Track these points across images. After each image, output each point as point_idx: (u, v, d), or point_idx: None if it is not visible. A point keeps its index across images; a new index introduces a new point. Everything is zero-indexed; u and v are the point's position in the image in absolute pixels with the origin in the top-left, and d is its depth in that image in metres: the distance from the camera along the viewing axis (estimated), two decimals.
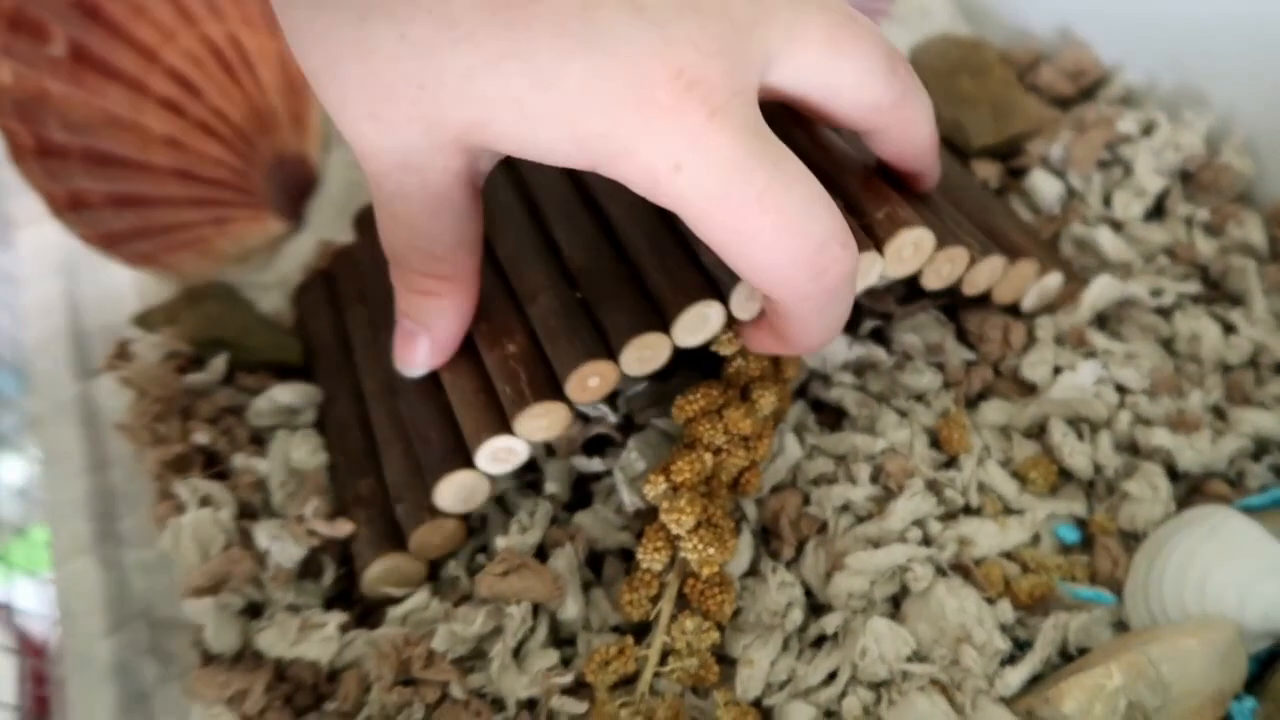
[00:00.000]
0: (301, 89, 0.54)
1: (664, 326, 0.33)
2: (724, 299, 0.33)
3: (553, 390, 0.34)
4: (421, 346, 0.34)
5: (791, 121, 0.39)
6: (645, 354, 0.33)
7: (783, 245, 0.27)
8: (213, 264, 0.48)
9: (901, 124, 0.33)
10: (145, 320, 0.44)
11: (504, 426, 0.34)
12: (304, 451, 0.39)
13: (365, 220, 0.47)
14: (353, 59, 0.25)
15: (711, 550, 0.32)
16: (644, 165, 0.26)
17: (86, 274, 0.50)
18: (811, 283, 0.28)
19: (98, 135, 0.44)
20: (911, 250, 0.35)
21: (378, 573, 0.36)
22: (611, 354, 0.33)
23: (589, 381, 0.33)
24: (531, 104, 0.25)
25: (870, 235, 0.35)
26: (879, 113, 0.32)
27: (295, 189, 0.53)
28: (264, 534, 0.35)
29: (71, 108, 0.44)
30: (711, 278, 0.34)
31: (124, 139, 0.45)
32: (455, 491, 0.35)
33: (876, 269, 0.35)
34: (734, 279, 0.33)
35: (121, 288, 0.50)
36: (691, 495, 0.33)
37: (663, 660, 0.33)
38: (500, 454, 0.34)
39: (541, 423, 0.34)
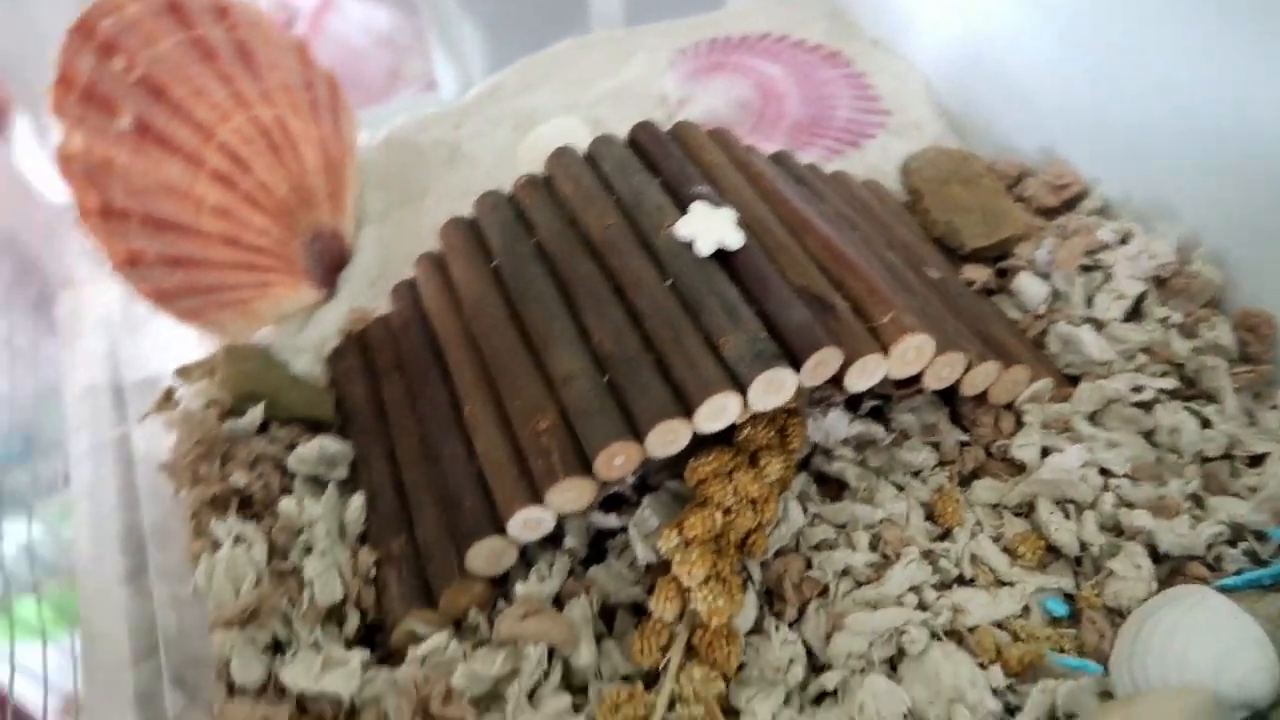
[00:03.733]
0: (339, 171, 0.58)
1: (687, 414, 0.36)
2: (743, 391, 0.36)
3: (582, 466, 0.36)
4: None
5: (803, 229, 0.43)
6: (668, 438, 0.36)
7: None
8: (252, 324, 0.51)
9: None
10: (185, 373, 0.47)
11: (535, 498, 0.36)
12: (353, 505, 0.41)
13: (401, 292, 0.50)
14: None
15: (720, 602, 0.34)
16: None
17: (124, 333, 0.53)
18: None
19: (156, 201, 0.48)
20: (914, 354, 0.38)
21: (407, 628, 0.37)
22: (638, 436, 0.36)
23: (615, 460, 0.36)
24: None
25: (875, 338, 0.38)
26: None
27: (330, 261, 0.56)
28: (312, 568, 0.37)
29: (134, 176, 0.47)
30: (731, 371, 0.36)
31: (179, 206, 0.48)
32: (486, 555, 0.37)
33: (881, 370, 0.38)
34: (753, 372, 0.36)
35: (156, 346, 0.52)
36: (703, 550, 0.35)
37: (670, 707, 0.34)
38: (530, 523, 0.37)
39: (570, 495, 0.36)
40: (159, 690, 0.37)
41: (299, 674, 0.35)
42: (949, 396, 0.45)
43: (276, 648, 0.37)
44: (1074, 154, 0.55)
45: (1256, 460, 0.42)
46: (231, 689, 0.36)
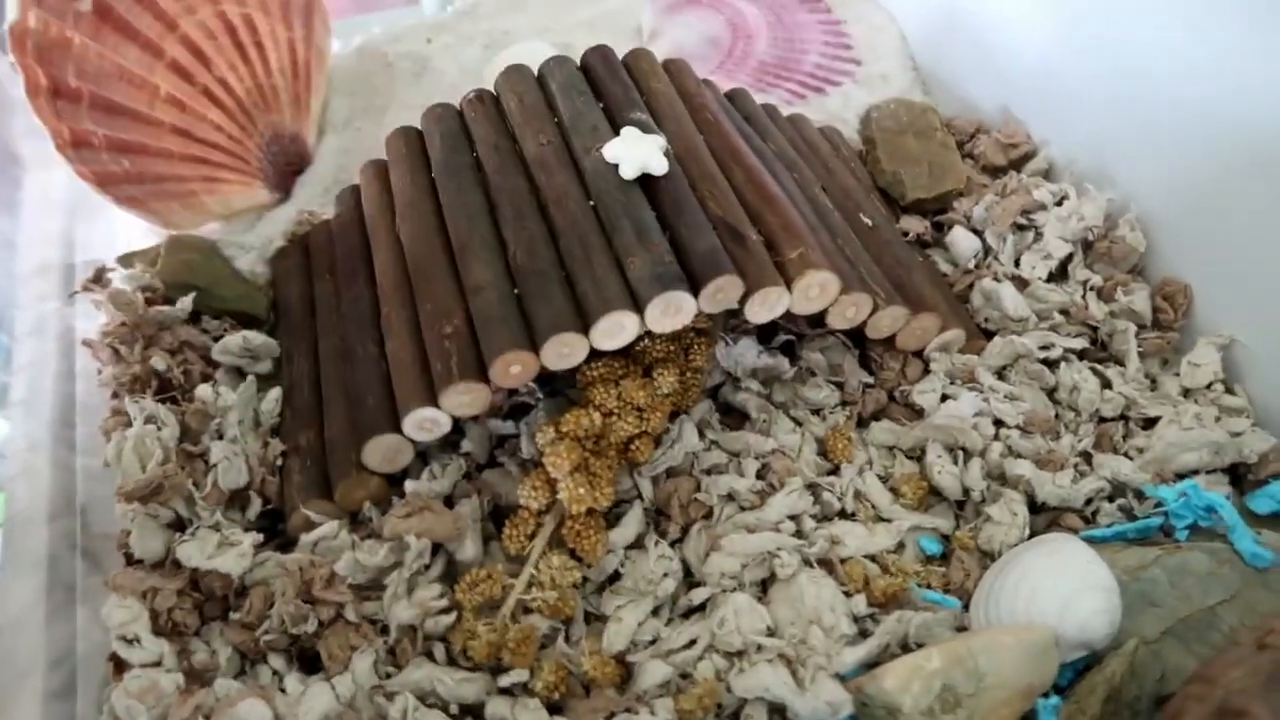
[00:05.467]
0: (305, 75, 0.58)
1: (584, 329, 0.37)
2: (640, 311, 0.37)
3: (478, 372, 0.37)
4: None
5: (733, 162, 0.44)
6: (564, 350, 0.37)
7: None
8: (197, 217, 0.52)
9: None
10: (128, 260, 0.48)
11: (431, 399, 0.37)
12: (269, 398, 0.43)
13: (344, 197, 0.51)
14: None
15: (582, 490, 0.36)
16: None
17: (83, 217, 0.54)
18: None
19: (109, 86, 0.48)
20: (818, 291, 0.39)
21: (303, 517, 0.39)
22: (534, 346, 0.37)
23: (511, 368, 0.37)
24: None
25: (782, 272, 0.39)
26: None
27: (287, 165, 0.57)
28: (219, 452, 0.39)
29: (89, 58, 0.48)
30: (633, 291, 0.37)
31: (133, 93, 0.49)
32: (381, 452, 0.39)
33: (783, 303, 0.39)
34: (651, 292, 0.37)
35: (114, 234, 0.54)
36: (572, 444, 0.37)
37: (528, 590, 0.36)
38: (425, 424, 0.38)
39: (465, 399, 0.37)
40: (68, 556, 0.39)
41: (193, 551, 0.37)
42: (861, 340, 0.46)
43: (179, 525, 0.39)
44: (1029, 115, 0.55)
45: (1151, 423, 0.43)
46: (130, 560, 0.37)
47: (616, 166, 0.41)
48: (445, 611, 0.36)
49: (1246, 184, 0.42)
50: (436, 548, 0.38)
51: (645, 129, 0.43)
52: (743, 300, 0.38)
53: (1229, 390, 0.43)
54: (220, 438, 0.40)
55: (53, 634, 0.36)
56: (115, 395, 0.41)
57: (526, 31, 0.67)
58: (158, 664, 0.34)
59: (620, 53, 0.50)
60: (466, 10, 0.69)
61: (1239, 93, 0.41)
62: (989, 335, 0.47)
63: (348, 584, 0.36)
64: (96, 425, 0.42)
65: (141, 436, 0.39)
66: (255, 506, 0.40)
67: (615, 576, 0.38)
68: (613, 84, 0.47)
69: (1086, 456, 0.42)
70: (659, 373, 0.39)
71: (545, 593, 0.36)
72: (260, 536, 0.38)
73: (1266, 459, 0.40)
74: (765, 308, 0.39)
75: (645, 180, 0.41)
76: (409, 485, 0.39)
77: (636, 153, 0.41)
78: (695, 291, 0.37)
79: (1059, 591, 0.35)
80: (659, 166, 0.41)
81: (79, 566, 0.39)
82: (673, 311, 0.37)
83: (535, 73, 0.49)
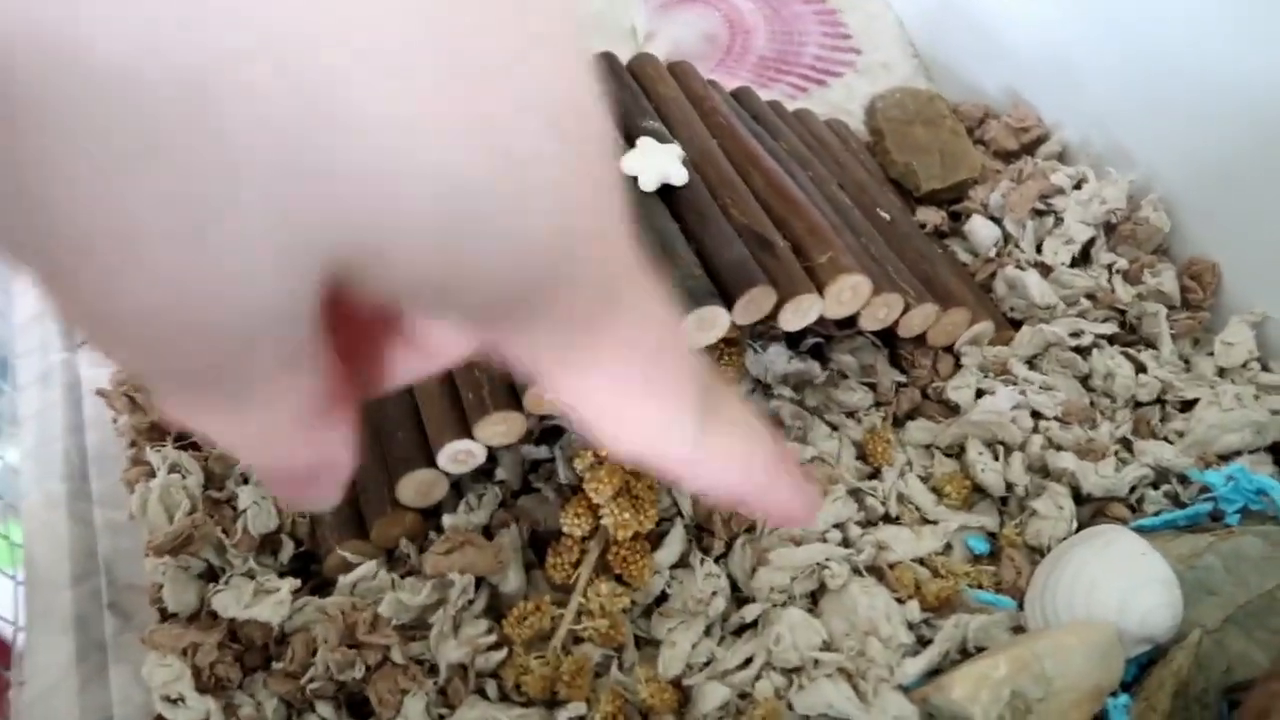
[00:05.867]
0: None
1: None
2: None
3: (512, 400, 0.36)
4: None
5: (751, 166, 0.43)
6: None
7: None
8: None
9: None
10: None
11: (465, 431, 0.36)
12: None
13: None
14: None
15: (627, 515, 0.35)
16: None
17: None
18: None
19: None
20: (850, 294, 0.39)
21: (339, 558, 0.38)
22: None
23: (546, 394, 0.36)
24: None
25: (812, 278, 0.38)
26: None
27: None
28: (247, 497, 0.38)
29: None
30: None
31: None
32: (416, 488, 0.38)
33: (816, 309, 0.38)
34: (683, 308, 0.35)
35: None
36: (613, 467, 0.36)
37: (577, 620, 0.35)
38: (460, 455, 0.37)
39: (500, 429, 0.36)
40: (97, 614, 0.38)
41: (229, 601, 0.36)
42: (890, 338, 0.45)
43: (211, 575, 0.38)
44: (1038, 98, 0.55)
45: (1188, 405, 0.43)
46: (164, 615, 0.36)
47: (635, 179, 0.40)
48: (495, 648, 0.35)
49: (1272, 157, 0.41)
50: (479, 581, 0.37)
51: (660, 138, 0.42)
52: (775, 309, 0.38)
53: (1265, 368, 0.43)
54: (246, 482, 0.39)
55: (88, 701, 0.35)
56: (134, 444, 0.40)
57: None
58: None
59: (612, 54, 0.49)
60: None
61: (1260, 64, 0.41)
62: (1015, 325, 0.46)
63: (392, 625, 0.35)
64: (112, 476, 0.41)
65: (167, 486, 0.38)
66: (288, 550, 0.39)
67: (662, 598, 0.38)
68: (620, 93, 0.46)
69: (1126, 443, 0.42)
70: None
71: (596, 621, 0.35)
72: (297, 581, 0.37)
73: None
74: (798, 315, 0.38)
75: (664, 191, 0.40)
76: (447, 520, 0.38)
77: (655, 163, 0.41)
78: (727, 304, 0.36)
79: (1117, 586, 0.35)
80: (679, 176, 0.40)
81: (108, 624, 0.38)
82: (706, 326, 0.36)
83: None
